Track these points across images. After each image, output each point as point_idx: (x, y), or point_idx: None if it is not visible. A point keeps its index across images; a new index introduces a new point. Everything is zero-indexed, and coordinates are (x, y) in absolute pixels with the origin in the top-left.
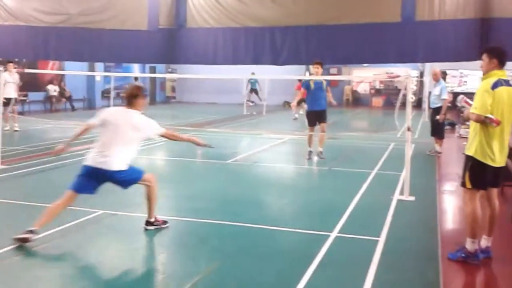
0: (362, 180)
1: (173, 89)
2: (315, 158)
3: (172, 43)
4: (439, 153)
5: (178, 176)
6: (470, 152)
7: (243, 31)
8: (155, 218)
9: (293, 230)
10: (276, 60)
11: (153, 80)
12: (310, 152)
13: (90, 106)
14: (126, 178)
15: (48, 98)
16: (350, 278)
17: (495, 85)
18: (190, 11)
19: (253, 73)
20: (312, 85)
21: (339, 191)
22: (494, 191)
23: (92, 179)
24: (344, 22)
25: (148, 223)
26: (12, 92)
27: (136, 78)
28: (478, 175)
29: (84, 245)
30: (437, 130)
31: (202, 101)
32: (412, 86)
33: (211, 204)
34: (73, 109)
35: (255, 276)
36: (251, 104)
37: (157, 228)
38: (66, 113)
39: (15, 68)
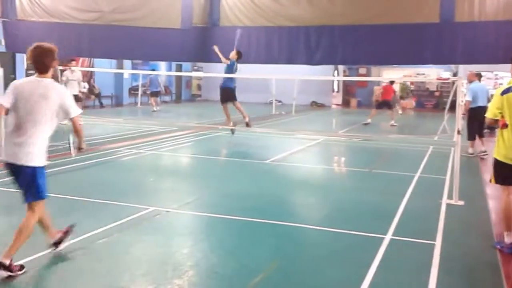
0: (406, 183)
1: (199, 87)
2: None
3: (205, 41)
4: (471, 154)
5: (219, 174)
6: (493, 153)
7: (277, 30)
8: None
9: (346, 231)
10: (310, 59)
11: (178, 78)
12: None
13: (118, 103)
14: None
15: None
16: (412, 281)
17: (505, 91)
18: (224, 10)
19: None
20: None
21: (385, 193)
22: None
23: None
24: (382, 22)
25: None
26: (73, 89)
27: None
28: (499, 172)
29: (141, 240)
30: (470, 131)
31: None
32: (463, 89)
33: (259, 203)
34: (101, 106)
35: (317, 276)
36: (278, 103)
37: (206, 228)
38: (95, 110)
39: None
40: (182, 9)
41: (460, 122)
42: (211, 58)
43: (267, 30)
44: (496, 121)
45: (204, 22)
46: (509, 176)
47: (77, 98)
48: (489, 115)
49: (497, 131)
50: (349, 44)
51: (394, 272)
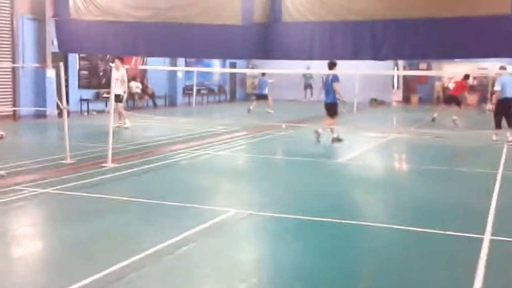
0: (491, 181)
1: (254, 86)
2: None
3: (266, 38)
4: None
5: (295, 174)
6: None
7: (341, 25)
8: None
9: (442, 232)
10: (376, 55)
11: (233, 76)
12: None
13: (172, 103)
14: None
15: (131, 95)
16: None
17: None
18: (286, 5)
19: (308, 67)
20: None
21: (471, 191)
22: None
23: None
24: (452, 15)
25: None
26: (118, 88)
27: None
28: None
29: (228, 245)
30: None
31: (285, 98)
32: None
33: (341, 204)
34: (155, 106)
35: (426, 278)
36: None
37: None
38: (149, 110)
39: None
40: (242, 4)
41: None
42: (272, 55)
43: (331, 24)
44: None
45: (265, 18)
46: None
47: (118, 99)
48: None
49: None
50: (417, 39)
51: (505, 275)
